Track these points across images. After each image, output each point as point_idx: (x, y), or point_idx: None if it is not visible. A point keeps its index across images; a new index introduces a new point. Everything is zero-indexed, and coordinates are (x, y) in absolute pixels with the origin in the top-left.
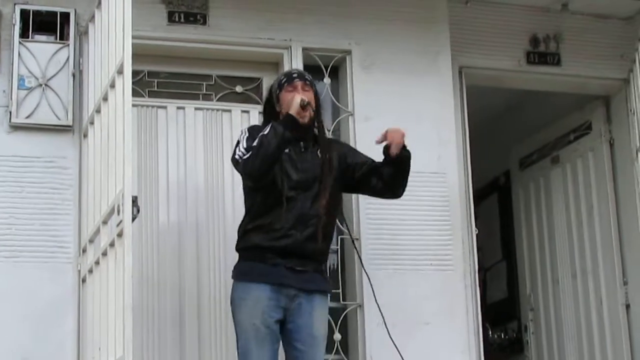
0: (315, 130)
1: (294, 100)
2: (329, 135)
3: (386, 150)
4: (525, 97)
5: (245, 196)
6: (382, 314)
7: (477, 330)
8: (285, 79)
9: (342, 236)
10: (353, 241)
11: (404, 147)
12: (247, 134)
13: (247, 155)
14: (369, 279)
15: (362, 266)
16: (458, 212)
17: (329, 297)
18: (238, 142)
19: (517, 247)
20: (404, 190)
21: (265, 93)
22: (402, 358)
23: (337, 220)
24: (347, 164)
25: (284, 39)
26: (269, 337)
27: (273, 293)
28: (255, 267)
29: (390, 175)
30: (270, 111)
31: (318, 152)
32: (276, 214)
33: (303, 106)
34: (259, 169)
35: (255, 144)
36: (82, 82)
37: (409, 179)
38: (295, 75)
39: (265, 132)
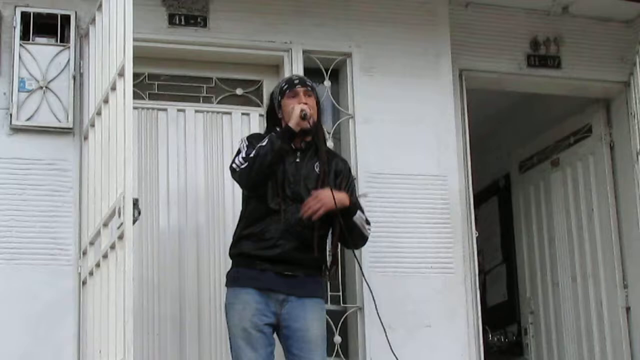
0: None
1: (294, 111)
2: (329, 141)
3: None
4: (525, 100)
5: (243, 202)
6: (380, 319)
7: (477, 333)
8: (286, 86)
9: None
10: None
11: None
12: (247, 143)
13: (244, 165)
14: (367, 284)
15: (362, 273)
16: (458, 215)
17: (323, 301)
18: (239, 151)
19: (517, 250)
20: (353, 245)
21: (266, 99)
22: None
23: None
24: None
25: (285, 41)
26: (261, 340)
27: (261, 297)
28: (243, 272)
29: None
30: (273, 117)
31: (315, 166)
32: (267, 223)
33: (303, 117)
34: (254, 181)
35: (252, 155)
36: (82, 85)
37: (410, 180)
38: (296, 81)
39: (263, 144)
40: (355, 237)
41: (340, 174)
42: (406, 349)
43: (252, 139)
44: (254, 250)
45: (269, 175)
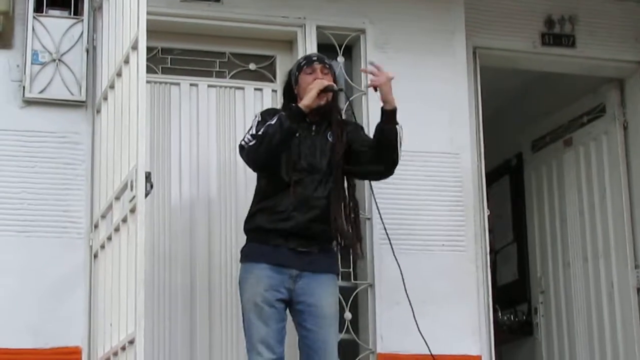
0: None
1: (310, 91)
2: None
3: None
4: (539, 78)
5: (257, 178)
6: (408, 297)
7: (488, 311)
8: (304, 62)
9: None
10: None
11: (393, 119)
12: (259, 118)
13: (252, 143)
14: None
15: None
16: (470, 193)
17: (337, 277)
18: (250, 127)
19: (528, 229)
20: (390, 167)
21: (279, 74)
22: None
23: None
24: (352, 149)
25: (298, 17)
26: (274, 316)
27: (274, 273)
28: (257, 248)
29: (378, 146)
30: (289, 93)
31: (328, 135)
32: (280, 196)
33: (330, 90)
34: (262, 160)
35: (260, 133)
36: (95, 58)
37: (422, 157)
38: (314, 58)
39: (272, 122)
40: (391, 151)
41: (352, 140)
42: (415, 326)
43: (266, 115)
44: (268, 223)
45: (276, 155)
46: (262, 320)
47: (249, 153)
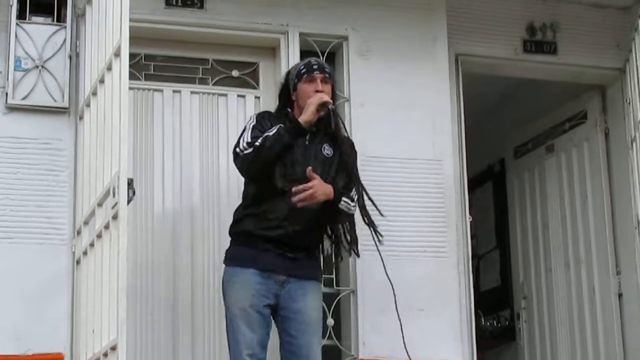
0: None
1: (308, 107)
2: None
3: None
4: (521, 85)
5: (245, 182)
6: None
7: (470, 317)
8: (305, 70)
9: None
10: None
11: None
12: (254, 122)
13: (248, 151)
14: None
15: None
16: (452, 199)
17: (321, 284)
18: (244, 130)
19: (511, 235)
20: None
21: (262, 79)
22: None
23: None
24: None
25: (281, 23)
26: (259, 321)
27: (262, 278)
28: (244, 251)
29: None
30: (285, 96)
31: (322, 148)
32: (271, 204)
33: (326, 107)
34: (254, 170)
35: (258, 142)
36: (78, 64)
37: (405, 164)
38: (315, 66)
39: (270, 134)
40: (342, 220)
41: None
42: (398, 332)
43: (262, 120)
44: (257, 229)
45: (270, 167)
46: (249, 325)
47: (243, 161)
